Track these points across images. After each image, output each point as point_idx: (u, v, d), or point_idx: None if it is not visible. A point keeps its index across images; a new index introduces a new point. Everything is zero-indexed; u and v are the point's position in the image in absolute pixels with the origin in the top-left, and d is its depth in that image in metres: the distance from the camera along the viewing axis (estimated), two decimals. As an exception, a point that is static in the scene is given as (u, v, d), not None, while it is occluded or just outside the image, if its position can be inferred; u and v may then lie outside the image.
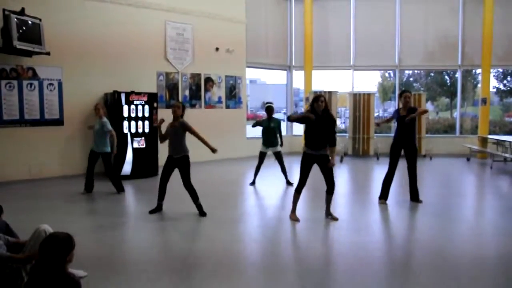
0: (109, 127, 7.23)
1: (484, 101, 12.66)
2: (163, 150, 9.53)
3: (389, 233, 5.46)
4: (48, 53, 8.20)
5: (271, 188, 7.99)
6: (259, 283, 3.81)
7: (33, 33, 7.92)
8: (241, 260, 4.35)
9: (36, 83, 8.70)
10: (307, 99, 12.70)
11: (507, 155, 10.55)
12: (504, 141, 11.05)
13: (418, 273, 4.00)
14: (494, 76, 16.10)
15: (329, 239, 5.08)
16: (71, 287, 2.57)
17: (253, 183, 8.07)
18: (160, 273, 3.92)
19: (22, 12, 7.77)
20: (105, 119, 7.30)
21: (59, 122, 9.01)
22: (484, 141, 12.17)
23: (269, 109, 7.96)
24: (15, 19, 7.55)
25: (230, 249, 4.62)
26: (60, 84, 8.97)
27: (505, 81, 17.64)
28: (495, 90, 16.98)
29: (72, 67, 9.01)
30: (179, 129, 5.78)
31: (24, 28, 7.72)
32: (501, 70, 16.16)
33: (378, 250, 4.64)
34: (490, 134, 12.71)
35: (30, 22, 7.89)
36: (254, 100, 27.86)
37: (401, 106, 6.49)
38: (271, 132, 7.89)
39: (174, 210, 6.11)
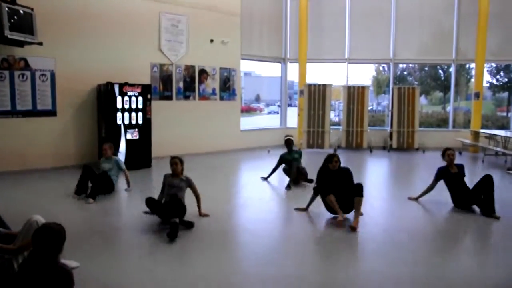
0: (123, 165, 7.02)
1: (477, 95, 12.73)
2: (156, 142, 9.57)
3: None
4: (40, 43, 8.10)
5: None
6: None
7: (25, 23, 7.80)
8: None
9: (28, 73, 8.60)
10: (301, 92, 12.70)
11: (498, 149, 10.66)
12: (496, 135, 11.15)
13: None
14: (487, 70, 16.10)
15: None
16: (63, 278, 2.57)
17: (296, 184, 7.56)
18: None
19: (13, 1, 7.66)
20: (117, 158, 7.11)
21: (51, 113, 8.94)
22: (476, 135, 12.26)
23: (289, 142, 7.71)
24: (6, 8, 7.43)
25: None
26: (52, 75, 8.89)
27: (498, 76, 17.69)
28: (488, 84, 17.04)
29: (65, 58, 8.91)
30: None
31: (15, 17, 7.60)
32: (494, 65, 16.20)
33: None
34: (482, 128, 12.80)
35: (21, 12, 7.77)
36: (249, 93, 27.82)
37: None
38: (294, 165, 7.42)
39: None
